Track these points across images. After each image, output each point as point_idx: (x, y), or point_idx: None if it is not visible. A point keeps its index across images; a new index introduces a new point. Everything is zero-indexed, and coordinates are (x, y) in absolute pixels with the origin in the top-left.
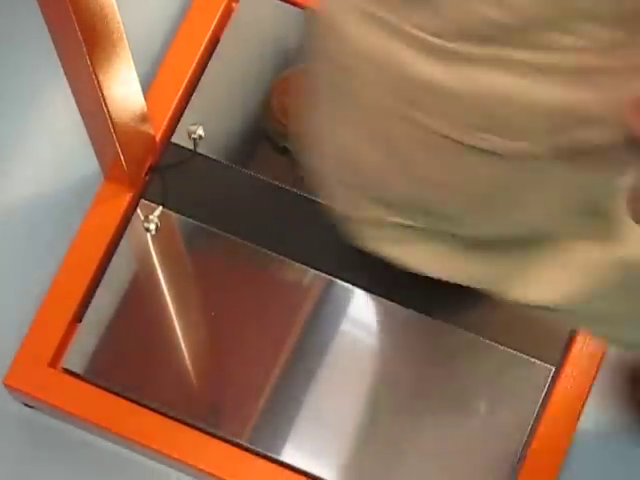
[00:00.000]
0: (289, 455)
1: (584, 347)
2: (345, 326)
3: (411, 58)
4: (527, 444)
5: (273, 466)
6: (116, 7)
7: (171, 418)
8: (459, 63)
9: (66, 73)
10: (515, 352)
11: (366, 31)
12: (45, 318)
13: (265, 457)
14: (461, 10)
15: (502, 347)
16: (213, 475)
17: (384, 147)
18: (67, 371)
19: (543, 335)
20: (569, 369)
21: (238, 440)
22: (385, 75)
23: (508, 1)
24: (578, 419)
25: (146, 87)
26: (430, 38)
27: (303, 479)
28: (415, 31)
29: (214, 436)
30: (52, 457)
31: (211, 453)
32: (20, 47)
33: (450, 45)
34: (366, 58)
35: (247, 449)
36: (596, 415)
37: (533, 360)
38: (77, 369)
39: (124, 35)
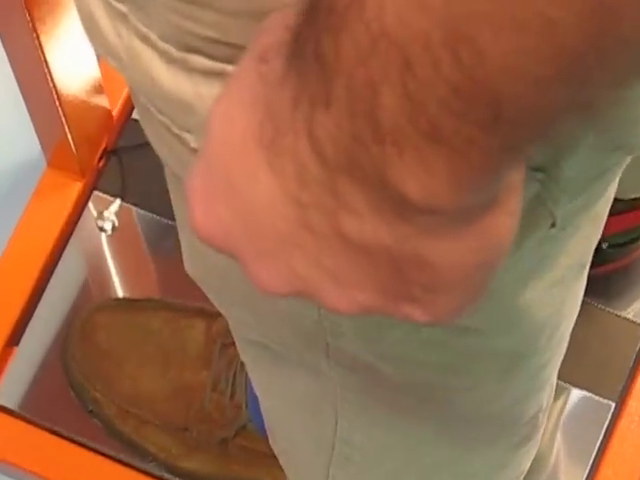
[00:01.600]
0: None
1: None
2: None
3: (156, 64)
4: None
5: None
6: None
7: (127, 465)
8: (185, 71)
9: (0, 31)
10: (572, 387)
11: (117, 29)
12: None
13: None
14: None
15: (558, 382)
16: None
17: None
18: (1, 409)
19: (602, 369)
20: (633, 404)
21: None
22: (135, 71)
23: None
24: None
25: None
26: (159, 43)
27: None
28: (150, 34)
29: None
30: None
31: None
32: None
33: (179, 56)
34: (120, 61)
35: None
36: None
37: (592, 396)
38: (11, 404)
39: None
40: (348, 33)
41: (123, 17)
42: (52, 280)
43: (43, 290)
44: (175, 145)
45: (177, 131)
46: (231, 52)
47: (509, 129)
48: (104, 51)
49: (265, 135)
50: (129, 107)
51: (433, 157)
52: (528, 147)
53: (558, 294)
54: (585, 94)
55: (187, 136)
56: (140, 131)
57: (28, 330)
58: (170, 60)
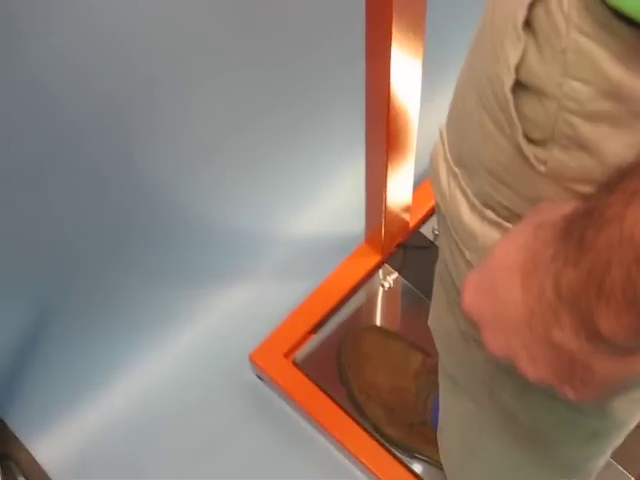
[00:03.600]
0: None
1: None
2: None
3: (464, 208)
4: None
5: None
6: (415, 127)
7: (352, 418)
8: (480, 217)
9: (367, 162)
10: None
11: (449, 180)
12: (291, 323)
13: None
14: (483, 188)
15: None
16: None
17: None
18: (295, 364)
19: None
20: None
21: None
22: (451, 207)
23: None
24: None
25: (417, 185)
26: (471, 197)
27: None
28: (467, 190)
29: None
30: (268, 423)
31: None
32: (339, 133)
33: (479, 207)
34: (444, 199)
35: None
36: None
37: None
38: (303, 366)
39: (414, 143)
40: (606, 232)
41: (455, 175)
42: (345, 305)
43: (339, 308)
44: (456, 254)
45: (461, 247)
46: (509, 215)
47: None
48: (436, 190)
49: (526, 268)
50: (420, 224)
51: (625, 313)
52: None
53: (634, 406)
54: None
55: (466, 252)
56: (420, 239)
57: (324, 327)
58: (473, 208)
